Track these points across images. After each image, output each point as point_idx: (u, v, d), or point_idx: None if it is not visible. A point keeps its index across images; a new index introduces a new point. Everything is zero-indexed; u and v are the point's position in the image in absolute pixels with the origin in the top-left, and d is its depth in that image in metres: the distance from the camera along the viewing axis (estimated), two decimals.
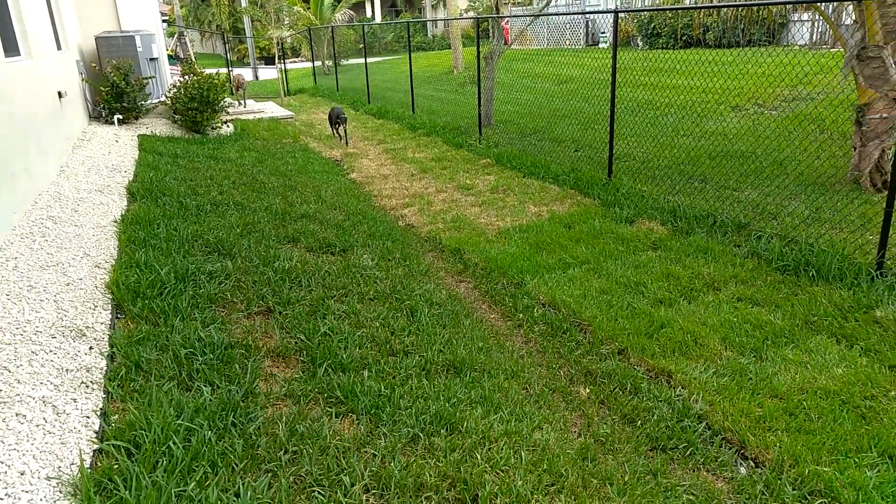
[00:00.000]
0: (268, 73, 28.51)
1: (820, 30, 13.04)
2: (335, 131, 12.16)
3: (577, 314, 4.62)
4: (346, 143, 11.62)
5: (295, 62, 33.19)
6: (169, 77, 13.91)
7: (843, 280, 4.78)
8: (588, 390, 3.75)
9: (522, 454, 2.87)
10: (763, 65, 7.21)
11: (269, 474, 2.50)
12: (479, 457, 2.79)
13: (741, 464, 3.12)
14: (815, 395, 3.50)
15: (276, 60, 21.67)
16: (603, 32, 24.14)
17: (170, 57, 17.59)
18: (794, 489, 2.87)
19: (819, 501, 2.79)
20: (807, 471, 2.93)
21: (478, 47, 11.00)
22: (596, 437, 3.25)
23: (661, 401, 3.55)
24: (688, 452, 3.17)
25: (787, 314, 4.41)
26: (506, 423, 3.13)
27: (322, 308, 4.05)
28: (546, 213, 7.04)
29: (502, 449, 2.88)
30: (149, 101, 10.87)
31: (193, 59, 18.23)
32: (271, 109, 15.27)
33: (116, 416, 2.70)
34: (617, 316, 4.52)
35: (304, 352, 3.52)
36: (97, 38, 10.72)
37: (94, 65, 10.58)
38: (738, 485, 2.95)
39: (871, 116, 6.64)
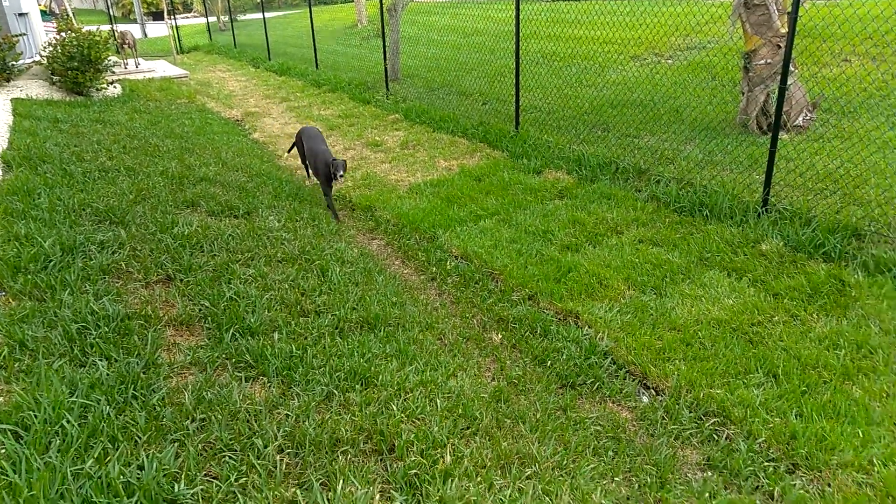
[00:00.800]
0: (157, 30, 26.63)
1: None
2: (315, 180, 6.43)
3: (488, 264, 4.69)
4: (336, 217, 5.84)
5: (187, 18, 31.14)
6: (43, 35, 12.71)
7: (734, 218, 5.09)
8: (500, 336, 3.84)
9: (438, 402, 2.91)
10: (659, 15, 7.40)
11: (176, 444, 2.41)
12: (394, 408, 2.81)
13: (643, 393, 3.31)
14: (708, 325, 3.74)
15: (166, 16, 20.21)
16: None
17: (43, 13, 16.02)
18: (690, 412, 3.07)
19: (713, 421, 3.01)
20: (702, 394, 3.15)
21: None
22: (509, 380, 3.34)
23: (569, 341, 3.69)
24: (595, 387, 3.32)
25: (684, 252, 4.66)
26: (421, 373, 3.15)
27: (227, 273, 3.89)
28: (456, 167, 7.04)
29: (418, 399, 2.91)
30: (21, 62, 9.92)
31: (70, 15, 16.70)
32: (163, 68, 14.32)
33: (1, 398, 2.50)
34: (527, 263, 4.63)
35: (209, 318, 3.38)
36: None
37: None
38: (641, 412, 3.13)
39: (756, 62, 7.00)
